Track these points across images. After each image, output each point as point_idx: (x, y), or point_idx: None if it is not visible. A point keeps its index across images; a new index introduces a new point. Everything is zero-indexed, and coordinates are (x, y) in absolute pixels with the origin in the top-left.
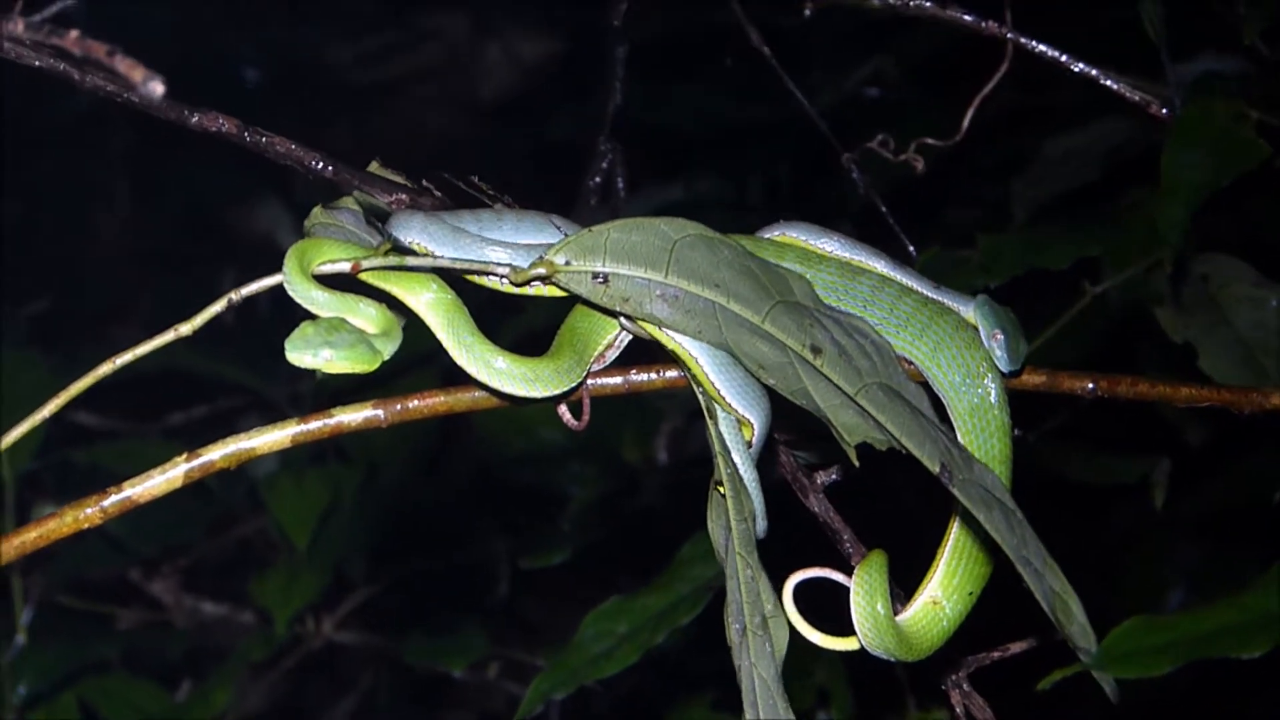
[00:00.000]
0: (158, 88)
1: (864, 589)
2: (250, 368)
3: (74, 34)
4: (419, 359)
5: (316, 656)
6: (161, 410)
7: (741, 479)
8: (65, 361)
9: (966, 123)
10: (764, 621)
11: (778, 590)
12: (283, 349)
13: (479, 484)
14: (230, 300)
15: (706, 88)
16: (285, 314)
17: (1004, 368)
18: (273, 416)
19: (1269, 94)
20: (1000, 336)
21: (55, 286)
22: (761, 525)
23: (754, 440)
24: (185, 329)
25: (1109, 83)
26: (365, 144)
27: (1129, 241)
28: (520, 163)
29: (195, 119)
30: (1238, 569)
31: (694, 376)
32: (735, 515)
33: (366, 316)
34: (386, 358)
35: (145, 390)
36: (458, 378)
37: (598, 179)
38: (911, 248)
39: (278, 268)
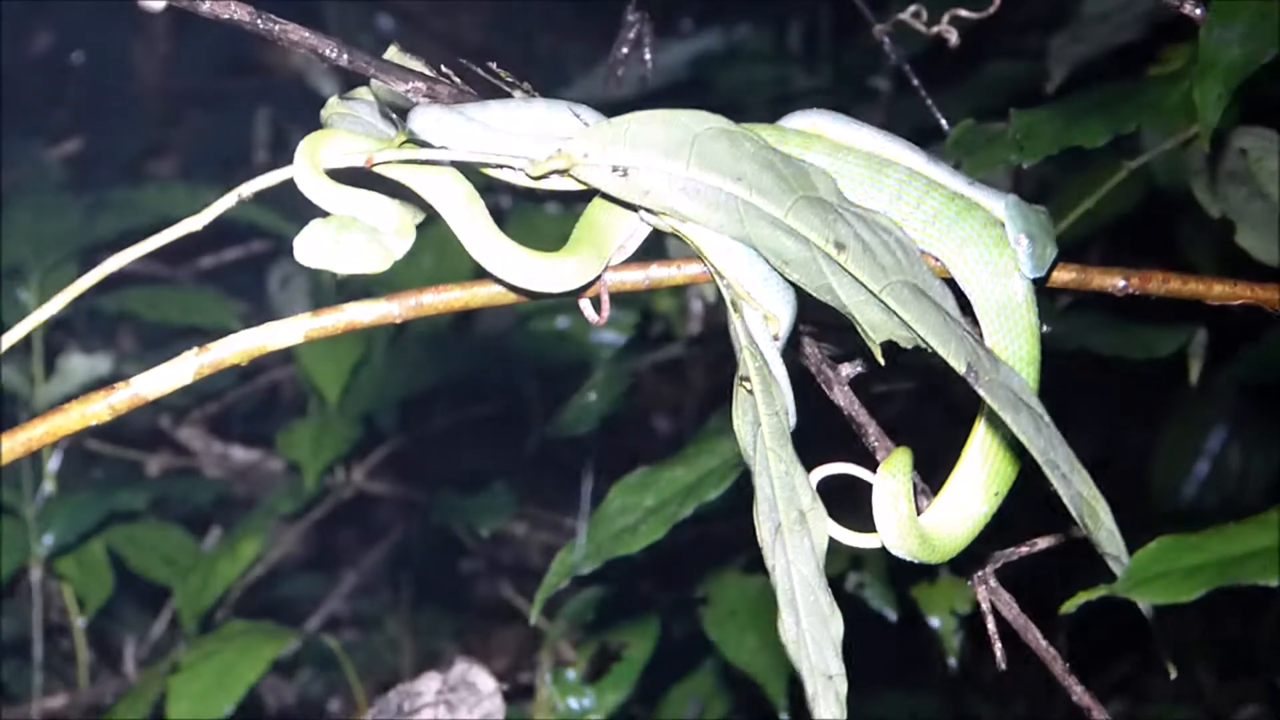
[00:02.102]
0: (156, 3)
1: (886, 489)
2: (282, 211)
3: None
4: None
5: (347, 506)
6: (193, 254)
7: (771, 372)
8: (99, 203)
9: None
10: (801, 516)
11: None
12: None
13: (511, 337)
14: (240, 196)
15: None
16: None
17: (1029, 274)
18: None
19: None
20: (1025, 241)
21: (89, 126)
22: (792, 419)
23: (780, 334)
24: (195, 223)
25: None
26: None
27: (1167, 115)
28: (561, 3)
29: (206, 5)
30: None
31: (717, 271)
32: (765, 410)
33: (380, 213)
34: (399, 257)
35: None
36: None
37: (625, 50)
38: (944, 121)
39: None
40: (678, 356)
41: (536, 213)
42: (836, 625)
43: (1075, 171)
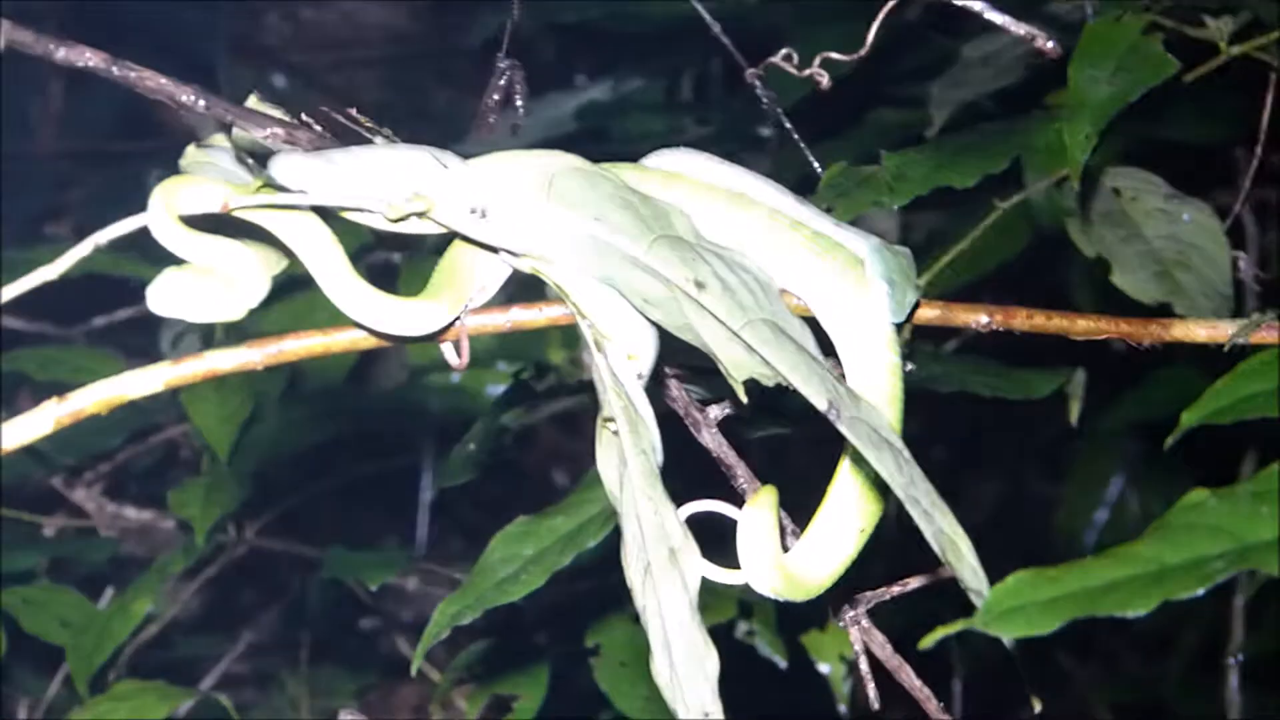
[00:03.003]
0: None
1: (751, 526)
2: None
3: None
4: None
5: (242, 564)
6: (85, 314)
7: (637, 410)
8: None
9: (870, 37)
10: (671, 554)
11: None
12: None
13: (405, 391)
14: (96, 244)
15: None
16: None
17: (888, 318)
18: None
19: (1181, 3)
20: (885, 288)
21: None
22: (659, 457)
23: (643, 372)
24: (51, 272)
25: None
26: (304, 38)
27: (1042, 155)
28: (458, 59)
29: (61, 53)
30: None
31: (579, 310)
32: (632, 449)
33: (236, 261)
34: (254, 305)
35: (68, 293)
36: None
37: (496, 97)
38: (817, 165)
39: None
40: (570, 408)
41: (428, 265)
42: (712, 662)
43: (965, 219)
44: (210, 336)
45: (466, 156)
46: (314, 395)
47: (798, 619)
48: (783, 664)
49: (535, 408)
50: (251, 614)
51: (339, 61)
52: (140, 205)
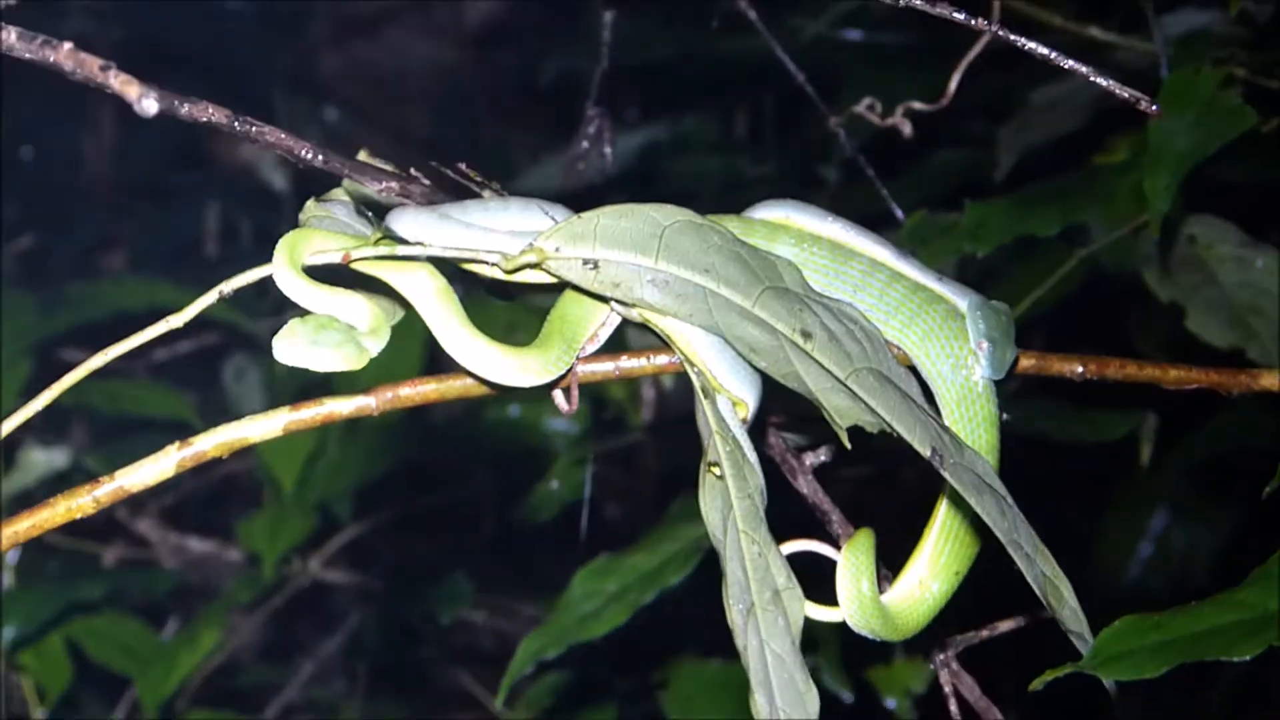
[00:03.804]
0: (152, 106)
1: (850, 567)
2: (234, 303)
3: (67, 48)
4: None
5: (304, 595)
6: (147, 347)
7: (745, 454)
8: (54, 297)
9: (953, 87)
10: (775, 596)
11: None
12: (274, 340)
13: (464, 425)
14: (221, 293)
15: (689, 25)
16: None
17: (989, 376)
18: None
19: (1257, 55)
20: (986, 345)
21: (40, 221)
22: (763, 501)
23: (748, 419)
24: (177, 320)
25: (1098, 79)
26: (355, 73)
27: (1117, 204)
28: (507, 94)
29: (185, 109)
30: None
31: (687, 359)
32: (737, 493)
33: (356, 313)
34: (374, 355)
35: (130, 327)
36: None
37: (585, 144)
38: (899, 210)
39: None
40: (630, 444)
41: (486, 301)
42: (813, 702)
43: (1020, 256)
44: (277, 374)
45: (568, 204)
46: (375, 429)
47: (863, 653)
48: (849, 698)
49: (597, 443)
50: (312, 644)
51: (390, 97)
52: (193, 237)
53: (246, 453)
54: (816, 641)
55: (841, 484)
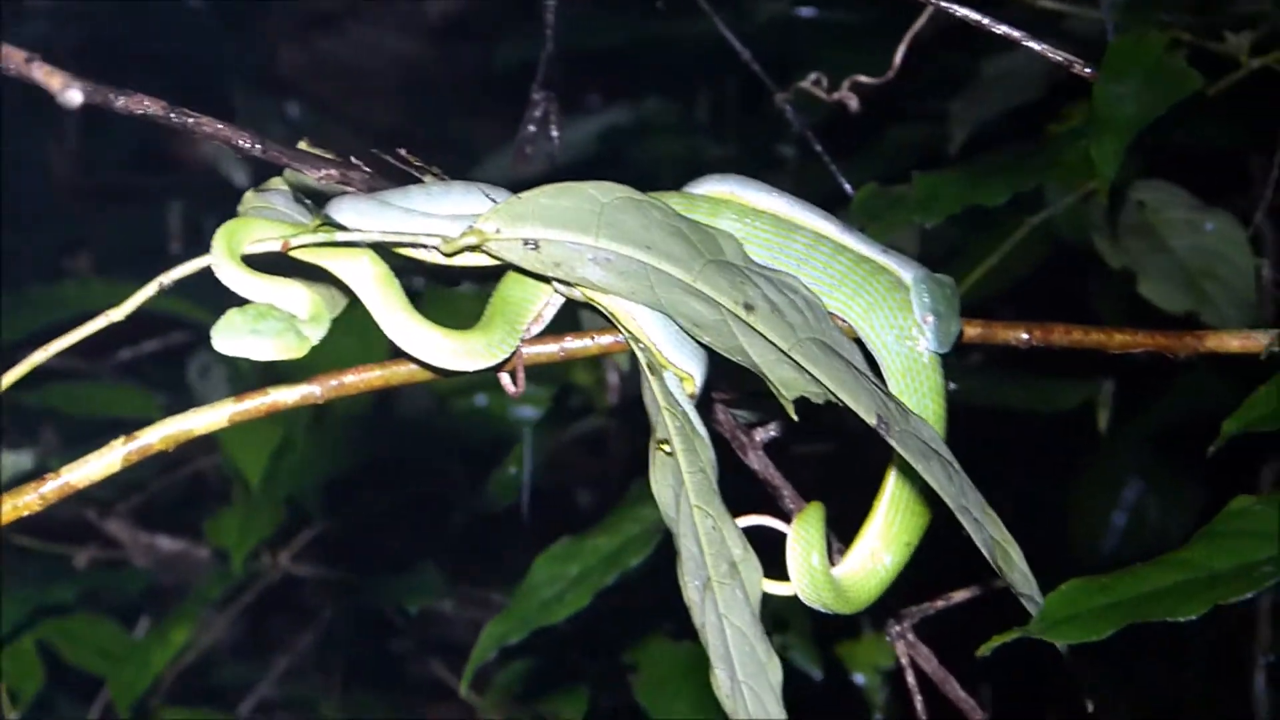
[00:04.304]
0: (75, 96)
1: (800, 541)
2: (198, 302)
3: None
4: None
5: (275, 591)
6: (112, 347)
7: (694, 428)
8: (18, 300)
9: (898, 60)
10: (732, 569)
11: None
12: (212, 330)
13: (432, 416)
14: (160, 285)
15: (641, 9)
16: None
17: (934, 349)
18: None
19: (1202, 18)
20: (931, 319)
21: (5, 223)
22: (715, 474)
23: (696, 394)
24: (117, 314)
25: (1030, 43)
26: (317, 68)
27: (1067, 172)
28: (470, 85)
29: (121, 102)
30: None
31: (632, 336)
32: (689, 468)
33: (295, 301)
34: (315, 343)
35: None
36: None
37: (532, 128)
38: (848, 186)
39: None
40: (597, 428)
41: (450, 292)
42: (775, 672)
43: (982, 231)
44: (240, 370)
45: (511, 187)
46: (341, 423)
47: (832, 631)
48: (818, 675)
49: (564, 430)
50: (285, 640)
51: (353, 91)
52: (159, 238)
53: (214, 450)
54: (786, 620)
55: (796, 461)
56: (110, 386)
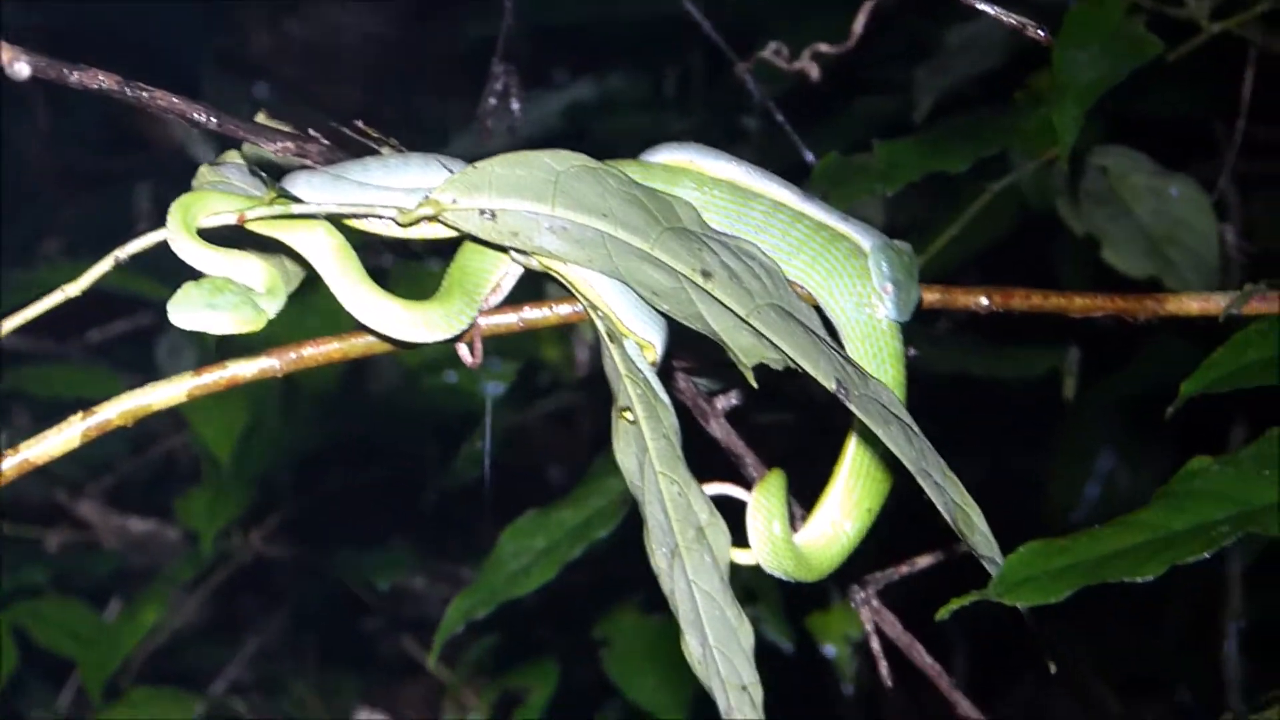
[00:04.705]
0: (23, 69)
1: (761, 509)
2: (166, 283)
3: None
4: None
5: (246, 571)
6: (81, 328)
7: (657, 394)
8: None
9: (858, 28)
10: (699, 534)
11: None
12: (169, 304)
13: (402, 394)
14: (116, 259)
15: None
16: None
17: (893, 318)
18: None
19: None
20: (890, 288)
21: None
22: (679, 440)
23: (656, 361)
24: (73, 289)
25: (983, 7)
26: (286, 49)
27: (1029, 139)
28: (439, 65)
29: (75, 76)
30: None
31: (591, 304)
32: (652, 434)
33: (251, 274)
34: (271, 316)
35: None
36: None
37: (492, 101)
38: (810, 155)
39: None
40: (566, 405)
41: (419, 268)
42: (746, 635)
43: (945, 200)
44: (208, 349)
45: (471, 160)
46: (311, 402)
47: (802, 602)
48: (789, 647)
49: (532, 405)
50: (257, 619)
51: (322, 71)
52: (129, 220)
53: (185, 431)
54: (755, 593)
55: (762, 430)
56: (79, 367)
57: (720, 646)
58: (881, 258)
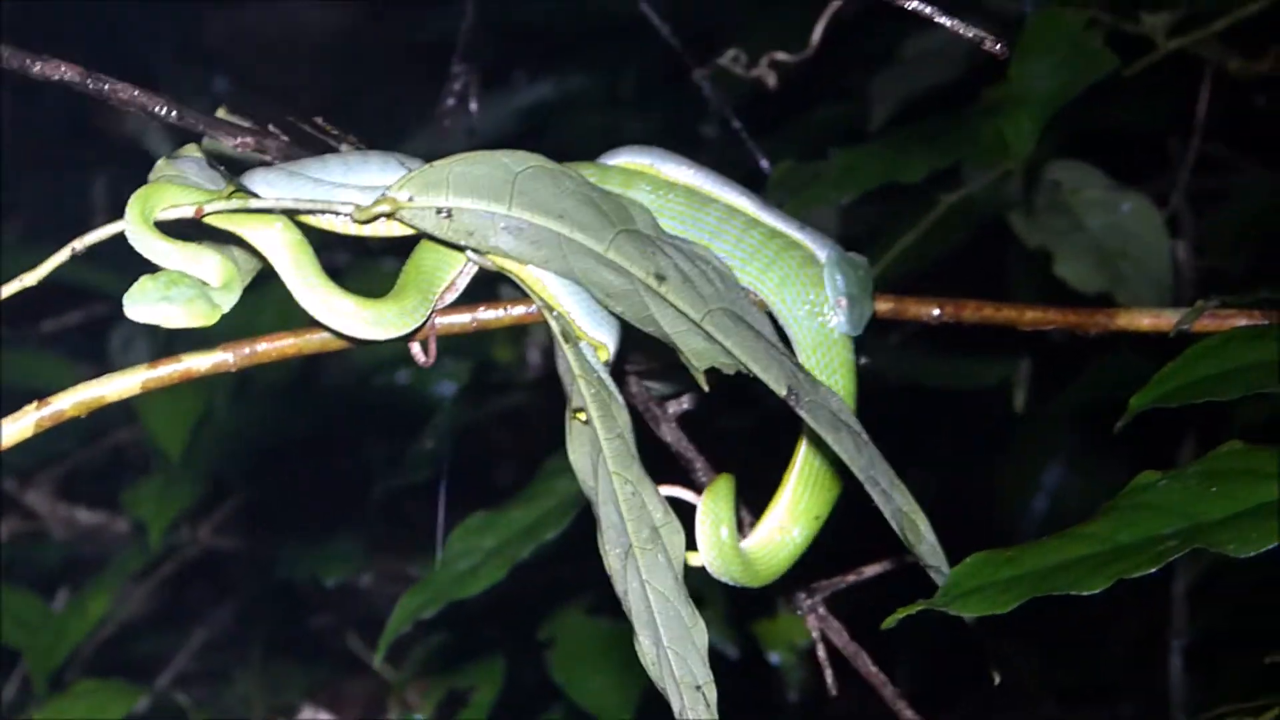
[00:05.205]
0: None
1: (709, 513)
2: (122, 274)
3: None
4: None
5: (195, 563)
6: (34, 318)
7: (611, 394)
8: None
9: (816, 37)
10: (654, 533)
11: None
12: (124, 297)
13: (354, 392)
14: (73, 250)
15: None
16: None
17: (846, 332)
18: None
19: None
20: (845, 302)
21: None
22: (632, 440)
23: (609, 362)
24: (30, 278)
25: (942, 19)
26: (244, 41)
27: (984, 150)
28: (398, 59)
29: (37, 68)
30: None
31: (546, 304)
32: (606, 434)
33: (207, 268)
34: (226, 310)
35: (19, 296)
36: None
37: (450, 101)
38: (765, 162)
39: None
40: (518, 405)
41: (374, 266)
42: (700, 635)
43: (900, 210)
44: (162, 341)
45: (429, 159)
46: (263, 396)
47: (748, 609)
48: (734, 654)
49: (483, 405)
50: (204, 612)
51: (280, 64)
52: (84, 210)
53: (136, 422)
54: (702, 598)
55: (717, 436)
56: (32, 356)
57: (674, 646)
58: (836, 271)
